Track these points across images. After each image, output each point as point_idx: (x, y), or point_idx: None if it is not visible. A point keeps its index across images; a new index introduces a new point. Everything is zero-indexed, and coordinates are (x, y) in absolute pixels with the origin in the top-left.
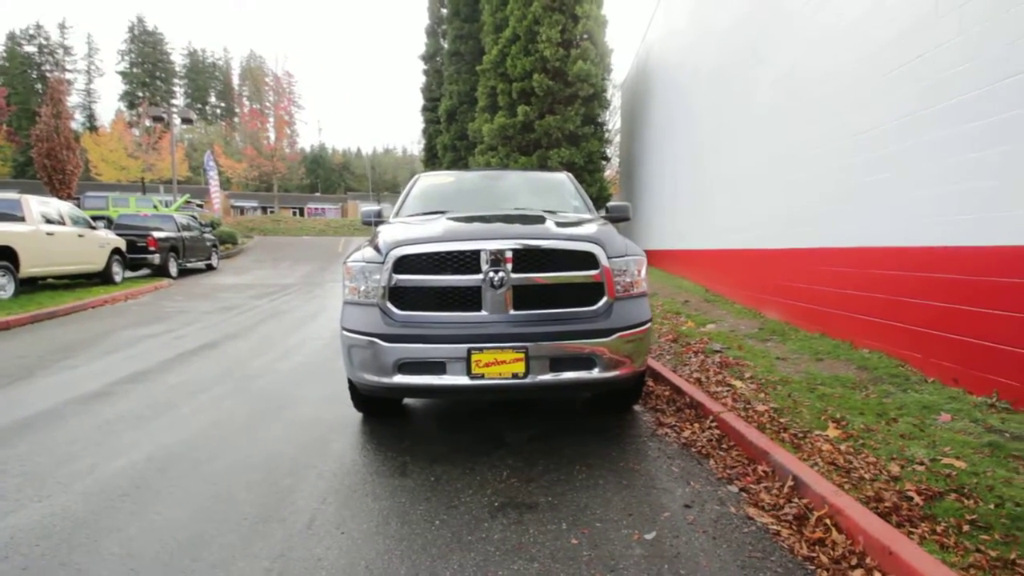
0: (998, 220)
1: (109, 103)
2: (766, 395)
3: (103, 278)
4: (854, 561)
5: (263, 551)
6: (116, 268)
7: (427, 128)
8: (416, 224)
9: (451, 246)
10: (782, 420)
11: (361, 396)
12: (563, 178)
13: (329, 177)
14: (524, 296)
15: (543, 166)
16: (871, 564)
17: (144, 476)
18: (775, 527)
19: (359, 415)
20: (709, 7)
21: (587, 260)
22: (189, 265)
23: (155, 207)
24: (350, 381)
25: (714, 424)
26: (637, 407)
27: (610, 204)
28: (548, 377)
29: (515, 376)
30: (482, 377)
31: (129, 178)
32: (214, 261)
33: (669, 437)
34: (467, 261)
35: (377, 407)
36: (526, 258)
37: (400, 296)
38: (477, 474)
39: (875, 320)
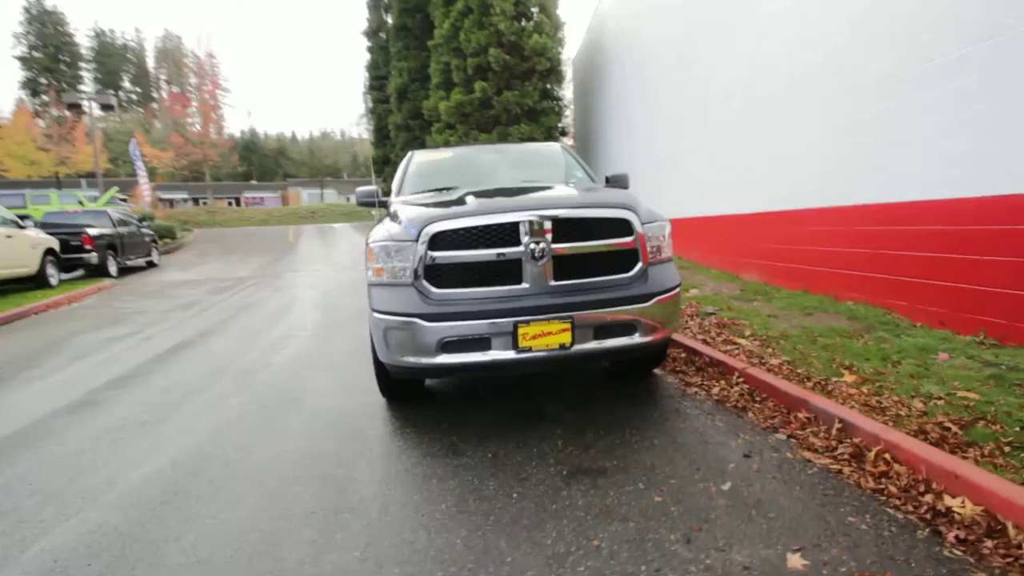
0: (982, 174)
1: (3, 93)
2: (773, 350)
3: (37, 282)
4: (922, 488)
5: (347, 541)
6: (51, 270)
7: (375, 108)
8: (433, 200)
9: (489, 219)
10: (799, 371)
11: (390, 381)
12: (559, 148)
13: (264, 164)
14: (563, 266)
15: (532, 139)
16: (939, 488)
17: (177, 482)
18: (835, 467)
19: (382, 402)
20: None
21: (623, 227)
22: (129, 263)
23: (80, 202)
24: (378, 366)
25: (741, 380)
26: (656, 371)
27: (609, 175)
28: (592, 345)
29: (562, 347)
30: (529, 350)
31: (40, 173)
32: (155, 257)
33: (700, 395)
34: (506, 234)
35: (403, 392)
36: (565, 228)
37: (436, 273)
38: (532, 447)
39: (858, 273)
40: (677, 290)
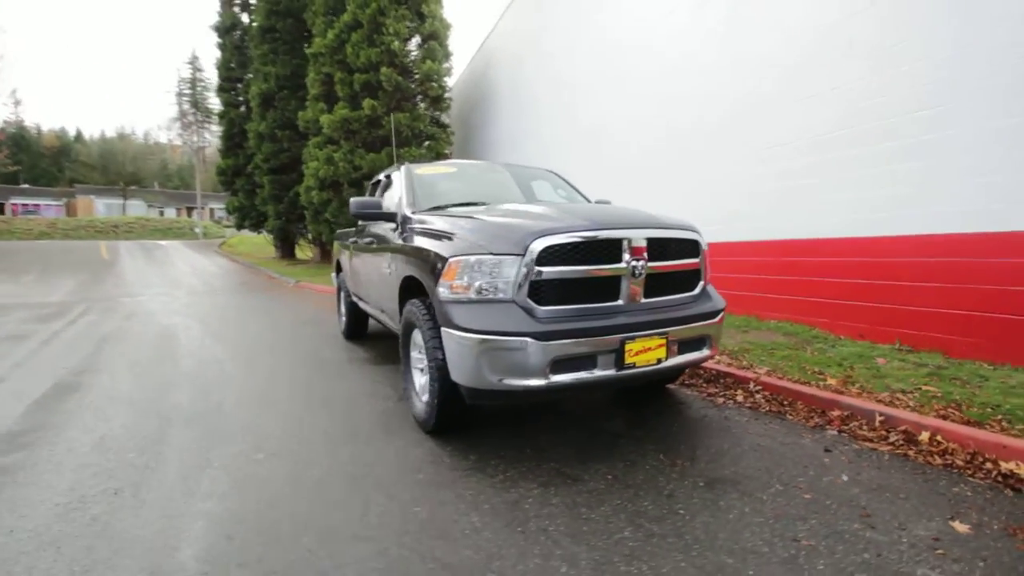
0: (896, 218)
1: None
2: (746, 360)
3: None
4: (980, 459)
5: None
6: None
7: (227, 112)
8: (488, 214)
9: (597, 235)
10: (789, 377)
11: (457, 410)
12: (554, 173)
13: (39, 164)
14: (650, 284)
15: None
16: (991, 457)
17: (265, 559)
18: (899, 452)
19: (425, 440)
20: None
21: (694, 248)
22: None
23: None
24: (446, 393)
25: (759, 388)
26: (668, 385)
27: (596, 200)
28: (677, 360)
29: (658, 361)
30: (633, 366)
31: None
32: None
33: (730, 404)
34: (610, 250)
35: (452, 423)
36: (655, 246)
37: (540, 289)
38: (641, 464)
39: (779, 296)
40: (725, 307)
